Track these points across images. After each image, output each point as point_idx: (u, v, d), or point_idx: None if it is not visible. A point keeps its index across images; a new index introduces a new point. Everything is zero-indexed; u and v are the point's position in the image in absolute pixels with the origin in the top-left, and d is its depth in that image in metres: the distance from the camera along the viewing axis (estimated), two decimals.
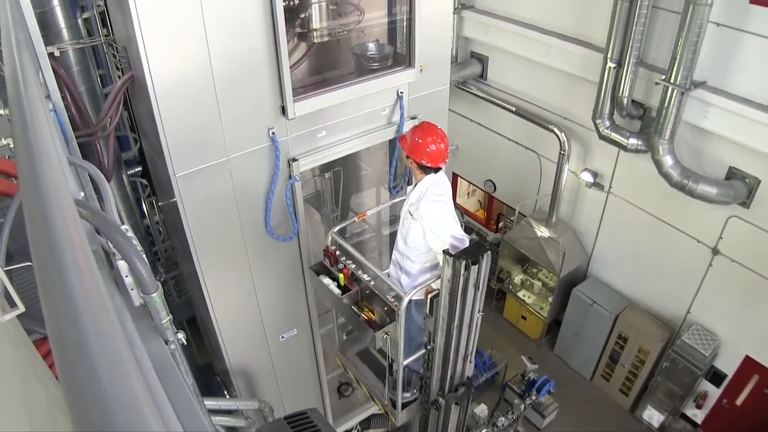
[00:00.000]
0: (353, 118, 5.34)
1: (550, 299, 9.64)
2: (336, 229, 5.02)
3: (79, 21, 5.51)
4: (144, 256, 2.39)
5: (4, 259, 2.77)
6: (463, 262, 3.99)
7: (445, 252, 4.06)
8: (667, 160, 6.93)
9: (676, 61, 6.30)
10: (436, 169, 4.46)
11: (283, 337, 6.23)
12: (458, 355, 4.72)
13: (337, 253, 4.96)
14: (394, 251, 4.92)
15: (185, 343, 2.99)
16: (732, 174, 6.87)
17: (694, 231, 7.64)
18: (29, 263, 2.95)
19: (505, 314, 10.73)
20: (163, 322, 2.67)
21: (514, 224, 9.88)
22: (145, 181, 7.51)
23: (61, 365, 0.83)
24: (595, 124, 7.64)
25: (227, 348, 5.78)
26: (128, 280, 2.51)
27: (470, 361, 4.98)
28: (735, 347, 7.81)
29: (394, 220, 6.19)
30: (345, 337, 6.00)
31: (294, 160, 5.09)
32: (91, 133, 5.08)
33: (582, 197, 9.09)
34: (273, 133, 4.88)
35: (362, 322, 4.66)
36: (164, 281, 8.21)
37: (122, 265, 2.43)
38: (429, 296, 4.38)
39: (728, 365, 8.00)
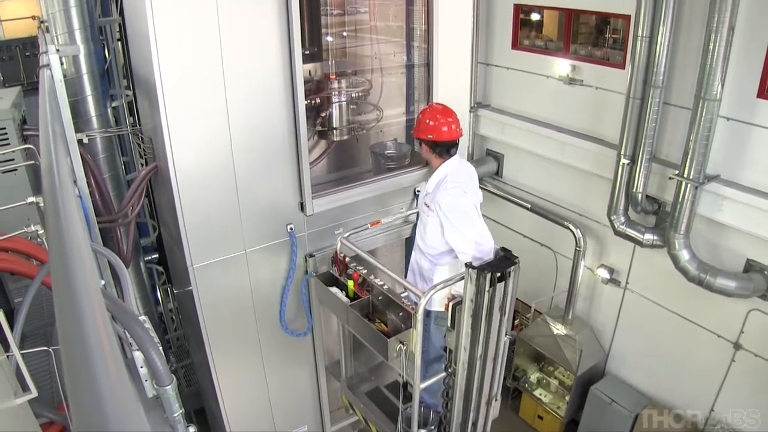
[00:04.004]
0: (370, 215, 5.39)
1: (567, 398, 9.36)
2: (346, 235, 4.82)
3: (108, 110, 5.70)
4: (160, 348, 2.38)
5: (19, 340, 2.77)
6: (488, 276, 3.57)
7: (467, 265, 3.64)
8: (684, 255, 6.89)
9: (689, 156, 6.38)
10: (451, 147, 4.18)
11: None
12: (481, 395, 4.16)
13: (347, 259, 4.71)
14: (412, 255, 4.58)
15: None
16: (750, 266, 6.80)
17: (714, 326, 7.48)
18: (45, 348, 2.94)
19: (521, 413, 10.39)
20: (176, 415, 2.61)
21: (530, 321, 9.75)
22: (161, 269, 7.54)
23: None
24: (610, 220, 7.67)
25: None
26: (143, 371, 2.49)
27: (496, 400, 4.40)
28: None
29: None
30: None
31: (311, 255, 5.11)
32: (112, 220, 5.17)
33: (598, 294, 9.00)
34: (291, 229, 4.94)
35: (373, 332, 4.23)
36: (175, 370, 8.10)
37: (138, 355, 2.41)
38: (450, 304, 3.83)
39: None
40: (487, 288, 3.61)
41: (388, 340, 4.04)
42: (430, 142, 4.16)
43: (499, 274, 3.64)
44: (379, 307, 4.46)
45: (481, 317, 3.72)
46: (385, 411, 5.00)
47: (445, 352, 4.15)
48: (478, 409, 4.25)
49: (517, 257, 3.83)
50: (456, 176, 4.12)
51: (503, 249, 3.89)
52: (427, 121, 4.17)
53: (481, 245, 3.86)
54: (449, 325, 3.90)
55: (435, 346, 4.42)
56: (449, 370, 4.08)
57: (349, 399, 5.34)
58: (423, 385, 4.11)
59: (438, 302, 4.04)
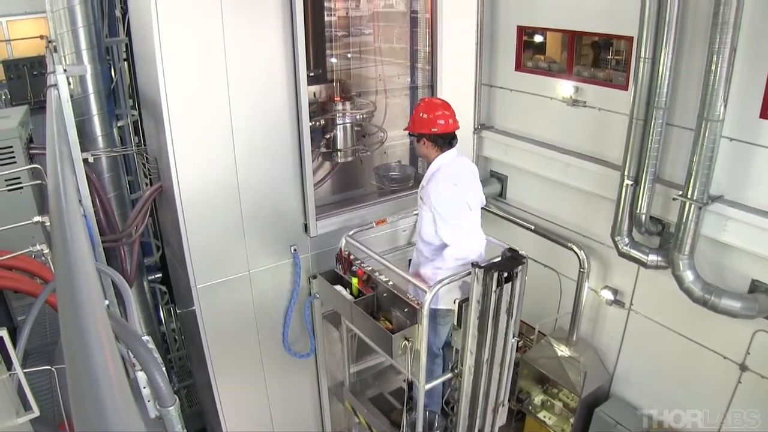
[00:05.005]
0: (374, 237, 5.38)
1: (571, 420, 9.26)
2: (351, 233, 4.76)
3: (114, 130, 5.72)
4: (163, 368, 2.37)
5: (21, 358, 2.77)
6: (495, 275, 3.49)
7: (474, 265, 3.56)
8: (688, 276, 6.85)
9: (692, 177, 6.36)
10: (450, 140, 4.13)
11: None
12: (488, 400, 4.06)
13: (351, 257, 4.64)
14: (414, 251, 4.53)
15: None
16: (755, 287, 6.75)
17: (719, 347, 7.41)
18: (48, 366, 2.94)
19: None
20: None
21: (534, 343, 9.69)
22: (164, 288, 7.53)
23: None
24: (614, 242, 7.64)
25: None
26: (146, 392, 2.48)
27: (503, 405, 4.29)
28: None
29: None
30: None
31: (314, 277, 5.10)
32: (117, 239, 5.18)
33: (603, 315, 8.95)
34: (294, 250, 4.94)
35: (378, 329, 4.12)
36: (177, 390, 8.06)
37: (141, 376, 2.41)
38: (457, 301, 3.77)
39: None
40: (493, 288, 3.55)
41: (392, 336, 3.94)
42: (433, 135, 4.09)
43: (506, 274, 3.58)
44: (384, 305, 4.38)
45: (487, 319, 3.66)
46: (388, 417, 4.93)
47: (443, 350, 4.16)
48: (485, 415, 4.16)
49: (525, 257, 3.78)
50: (449, 169, 4.08)
51: (510, 249, 3.84)
52: (422, 114, 4.12)
53: (467, 242, 3.88)
54: (455, 323, 3.85)
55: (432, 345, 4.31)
56: (455, 371, 4.02)
57: (353, 405, 5.26)
58: (429, 386, 4.02)
59: (442, 300, 3.98)
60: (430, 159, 4.21)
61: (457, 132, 4.26)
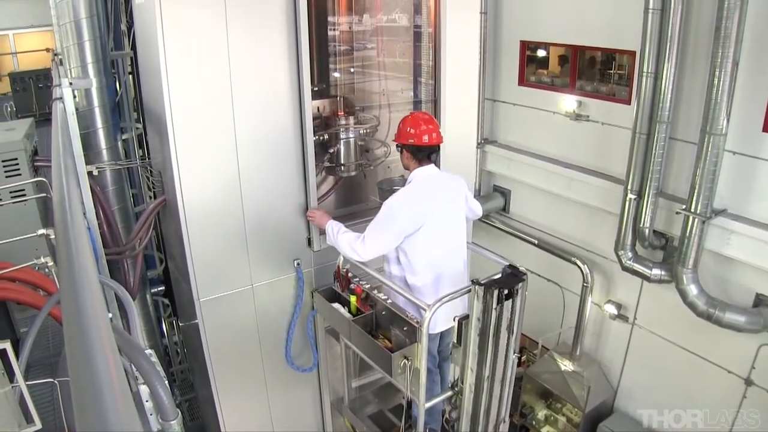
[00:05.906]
0: None
1: None
2: None
3: (119, 143, 5.74)
4: (166, 382, 2.37)
5: (24, 370, 2.77)
6: (495, 292, 3.48)
7: (474, 282, 3.56)
8: (692, 290, 6.83)
9: (696, 190, 6.36)
10: (429, 155, 4.18)
11: None
12: (489, 417, 4.01)
13: (350, 274, 4.63)
14: None
15: None
16: (760, 301, 6.73)
17: (724, 361, 7.37)
18: (51, 379, 2.94)
19: None
20: None
21: (537, 358, 9.66)
22: (167, 301, 7.52)
23: None
24: (618, 256, 7.63)
25: None
26: (148, 405, 2.48)
27: (504, 421, 4.23)
28: None
29: None
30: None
31: (317, 291, 5.10)
32: (120, 252, 5.19)
33: (606, 329, 8.92)
34: (298, 264, 4.93)
35: (377, 347, 4.08)
36: (179, 404, 8.03)
37: (144, 389, 2.41)
38: (456, 319, 3.76)
39: None
40: (494, 306, 3.53)
41: (392, 354, 3.91)
42: (412, 147, 4.15)
43: (506, 291, 3.57)
44: (383, 323, 4.34)
45: (488, 336, 3.64)
46: None
47: (440, 367, 4.18)
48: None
49: (525, 274, 3.78)
50: (419, 184, 4.16)
51: (510, 266, 3.82)
52: (405, 126, 4.18)
53: (369, 245, 3.97)
54: (455, 340, 3.84)
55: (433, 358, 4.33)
56: (456, 389, 4.01)
57: (352, 422, 5.24)
58: (429, 404, 3.98)
59: (444, 320, 3.98)
60: (410, 170, 4.28)
61: (442, 146, 4.33)
